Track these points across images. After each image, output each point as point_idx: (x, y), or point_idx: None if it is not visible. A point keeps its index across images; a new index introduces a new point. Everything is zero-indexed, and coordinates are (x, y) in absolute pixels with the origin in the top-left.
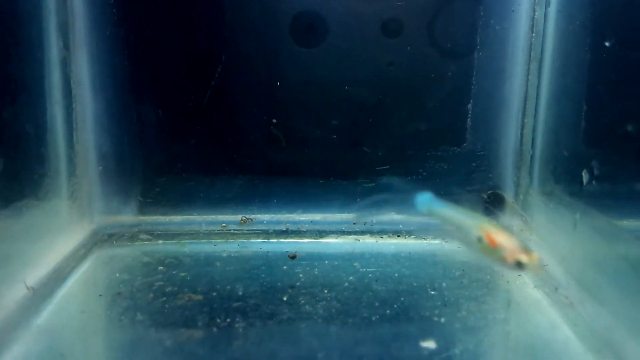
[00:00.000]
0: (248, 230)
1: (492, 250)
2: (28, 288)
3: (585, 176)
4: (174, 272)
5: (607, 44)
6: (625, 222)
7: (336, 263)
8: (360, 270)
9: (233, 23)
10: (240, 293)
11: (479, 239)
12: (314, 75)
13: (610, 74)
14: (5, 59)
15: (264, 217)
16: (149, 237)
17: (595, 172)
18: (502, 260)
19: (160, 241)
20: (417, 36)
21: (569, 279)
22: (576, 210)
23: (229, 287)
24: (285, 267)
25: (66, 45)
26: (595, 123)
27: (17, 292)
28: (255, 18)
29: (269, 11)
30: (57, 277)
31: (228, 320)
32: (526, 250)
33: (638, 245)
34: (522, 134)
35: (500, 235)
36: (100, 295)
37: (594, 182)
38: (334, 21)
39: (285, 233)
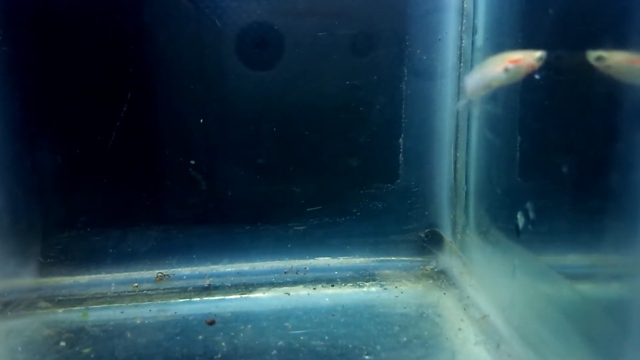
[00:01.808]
0: (164, 289)
1: None
2: None
3: (520, 220)
4: (77, 348)
5: (536, 76)
6: (569, 257)
7: (264, 325)
8: (291, 332)
9: (140, 55)
10: None
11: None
12: (233, 109)
13: (544, 102)
14: None
15: (184, 272)
16: (49, 304)
17: (531, 215)
18: None
19: (61, 310)
20: (342, 67)
21: (512, 332)
22: (514, 255)
23: None
24: (202, 337)
25: None
26: (531, 154)
27: None
28: (165, 49)
29: (183, 46)
30: None
31: None
32: None
33: (577, 295)
34: (455, 169)
35: None
36: None
37: (530, 226)
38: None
39: (208, 290)
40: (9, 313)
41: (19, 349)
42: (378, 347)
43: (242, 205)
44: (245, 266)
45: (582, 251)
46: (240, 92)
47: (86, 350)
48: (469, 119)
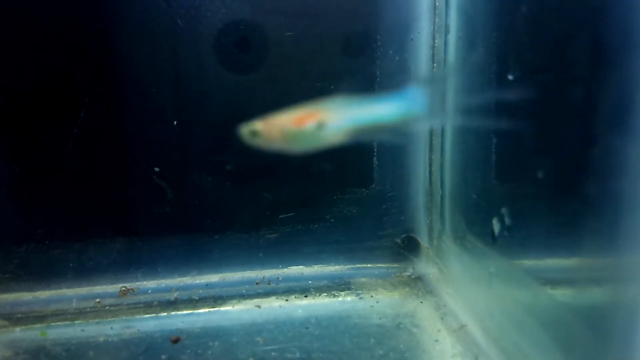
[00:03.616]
0: (128, 304)
1: None
2: None
3: (496, 226)
4: None
5: (510, 77)
6: (546, 261)
7: (234, 340)
8: (262, 347)
9: (98, 58)
10: None
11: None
12: (200, 113)
13: (519, 104)
14: None
15: (149, 285)
16: (6, 322)
17: (507, 221)
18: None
19: (19, 328)
20: (312, 68)
21: (489, 343)
22: (490, 262)
23: None
24: (165, 356)
25: None
26: (506, 157)
27: None
28: (124, 50)
29: (144, 47)
30: None
31: None
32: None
33: (554, 303)
34: (430, 172)
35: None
36: None
37: (505, 232)
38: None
39: (174, 304)
40: None
41: None
42: None
43: (211, 214)
44: (214, 277)
45: (560, 255)
46: (208, 95)
47: None
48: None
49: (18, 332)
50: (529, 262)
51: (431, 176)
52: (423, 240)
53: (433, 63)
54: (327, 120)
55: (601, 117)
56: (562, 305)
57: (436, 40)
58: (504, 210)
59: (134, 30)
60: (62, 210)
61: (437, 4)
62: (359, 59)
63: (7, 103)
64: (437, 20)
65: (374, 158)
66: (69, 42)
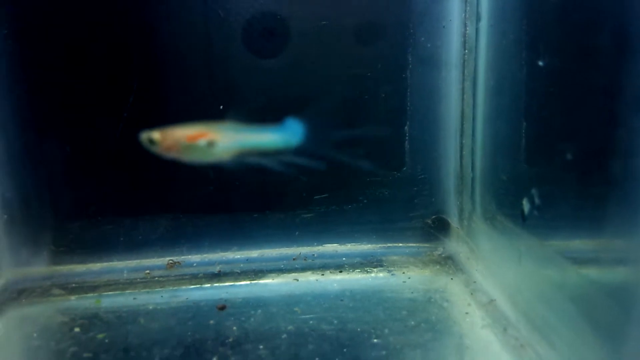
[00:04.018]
0: (175, 276)
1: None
2: None
3: (526, 206)
4: (91, 333)
5: (540, 63)
6: (574, 242)
7: (274, 310)
8: (300, 317)
9: (147, 49)
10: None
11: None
12: (239, 99)
13: (548, 89)
14: None
15: (194, 259)
16: (63, 291)
17: (537, 201)
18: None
19: (75, 296)
20: (346, 56)
21: (518, 317)
22: (520, 241)
23: (145, 353)
24: (213, 322)
25: None
26: (536, 141)
27: None
28: (171, 38)
29: (189, 35)
30: None
31: None
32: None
33: (582, 280)
34: (461, 156)
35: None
36: None
37: (535, 212)
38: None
39: (218, 276)
40: (23, 300)
41: (34, 335)
42: (386, 331)
43: (250, 194)
44: (253, 253)
45: (586, 236)
46: (247, 82)
47: (100, 336)
48: (474, 107)
49: (74, 300)
50: (557, 243)
51: (462, 160)
52: (453, 221)
53: (464, 50)
54: (217, 140)
55: (626, 101)
56: (589, 281)
57: (467, 28)
58: (534, 191)
59: (176, 23)
60: (113, 189)
61: None
62: (392, 47)
63: (62, 89)
64: (468, 8)
65: (406, 142)
66: (119, 31)
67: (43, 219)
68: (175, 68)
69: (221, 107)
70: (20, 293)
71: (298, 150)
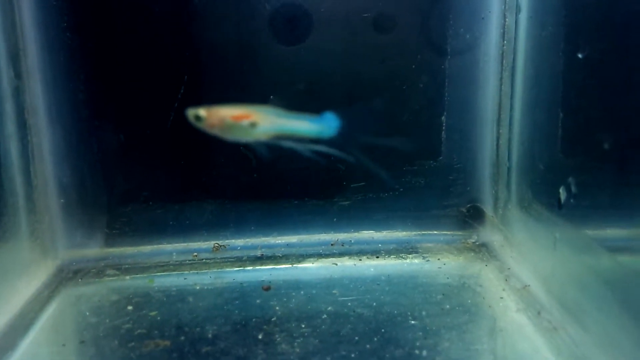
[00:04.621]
0: (221, 258)
1: None
2: None
3: (562, 194)
4: (143, 311)
5: (580, 55)
6: (608, 231)
7: (314, 292)
8: (339, 299)
9: (196, 41)
10: (211, 335)
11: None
12: (282, 92)
13: (586, 80)
14: None
15: (238, 243)
16: (117, 272)
17: (573, 189)
18: None
19: (128, 276)
20: (387, 47)
21: (552, 301)
22: (555, 228)
23: (198, 329)
24: (259, 301)
25: (18, 74)
26: (573, 131)
27: None
28: (221, 37)
29: (236, 32)
30: (20, 325)
31: None
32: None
33: (617, 266)
34: (498, 146)
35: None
36: (63, 345)
37: (572, 200)
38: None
39: (260, 259)
40: (80, 280)
41: (89, 312)
42: (423, 313)
43: (290, 182)
44: (293, 238)
45: (622, 224)
46: (290, 73)
47: (153, 313)
48: (512, 97)
49: (128, 280)
50: (592, 230)
51: (498, 149)
52: (488, 210)
53: (503, 41)
54: (259, 122)
55: None
56: (623, 267)
57: (507, 19)
58: (570, 179)
59: (224, 18)
60: (163, 175)
61: None
62: (431, 38)
63: (116, 80)
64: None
65: (442, 132)
66: (171, 26)
67: (97, 203)
68: (223, 59)
69: (271, 97)
70: (76, 273)
71: (332, 142)
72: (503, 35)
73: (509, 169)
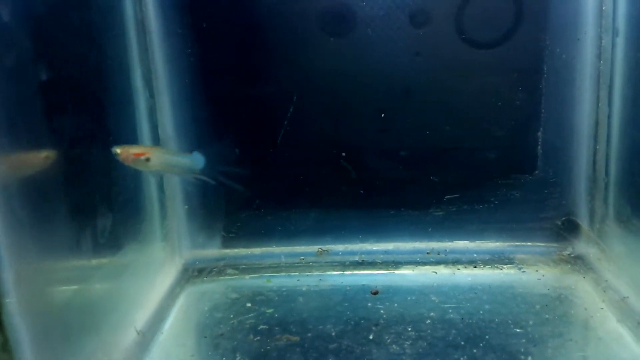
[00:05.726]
0: (325, 262)
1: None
2: (138, 332)
3: None
4: (262, 309)
5: None
6: None
7: (414, 298)
8: (440, 305)
9: (304, 65)
10: (333, 333)
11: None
12: (374, 113)
13: None
14: (102, 113)
15: (339, 248)
16: (235, 271)
17: None
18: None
19: (247, 276)
20: (485, 66)
21: None
22: None
23: (320, 327)
24: (367, 303)
25: (151, 94)
26: None
27: (128, 337)
28: (325, 60)
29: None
30: (160, 317)
31: None
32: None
33: None
34: (594, 161)
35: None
36: (205, 337)
37: None
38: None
39: (361, 265)
40: (205, 278)
41: (213, 308)
42: (525, 322)
43: (387, 193)
44: (389, 246)
45: None
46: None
47: (269, 311)
48: (609, 115)
49: (246, 279)
50: None
51: (595, 165)
52: (584, 223)
53: (600, 61)
54: (152, 158)
55: None
56: None
57: (603, 41)
58: None
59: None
60: (273, 186)
61: (604, 7)
62: (528, 58)
63: (233, 100)
64: (603, 22)
65: (538, 147)
66: (283, 51)
67: (217, 209)
68: (327, 84)
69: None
70: (200, 272)
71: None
72: (599, 55)
73: (606, 184)
